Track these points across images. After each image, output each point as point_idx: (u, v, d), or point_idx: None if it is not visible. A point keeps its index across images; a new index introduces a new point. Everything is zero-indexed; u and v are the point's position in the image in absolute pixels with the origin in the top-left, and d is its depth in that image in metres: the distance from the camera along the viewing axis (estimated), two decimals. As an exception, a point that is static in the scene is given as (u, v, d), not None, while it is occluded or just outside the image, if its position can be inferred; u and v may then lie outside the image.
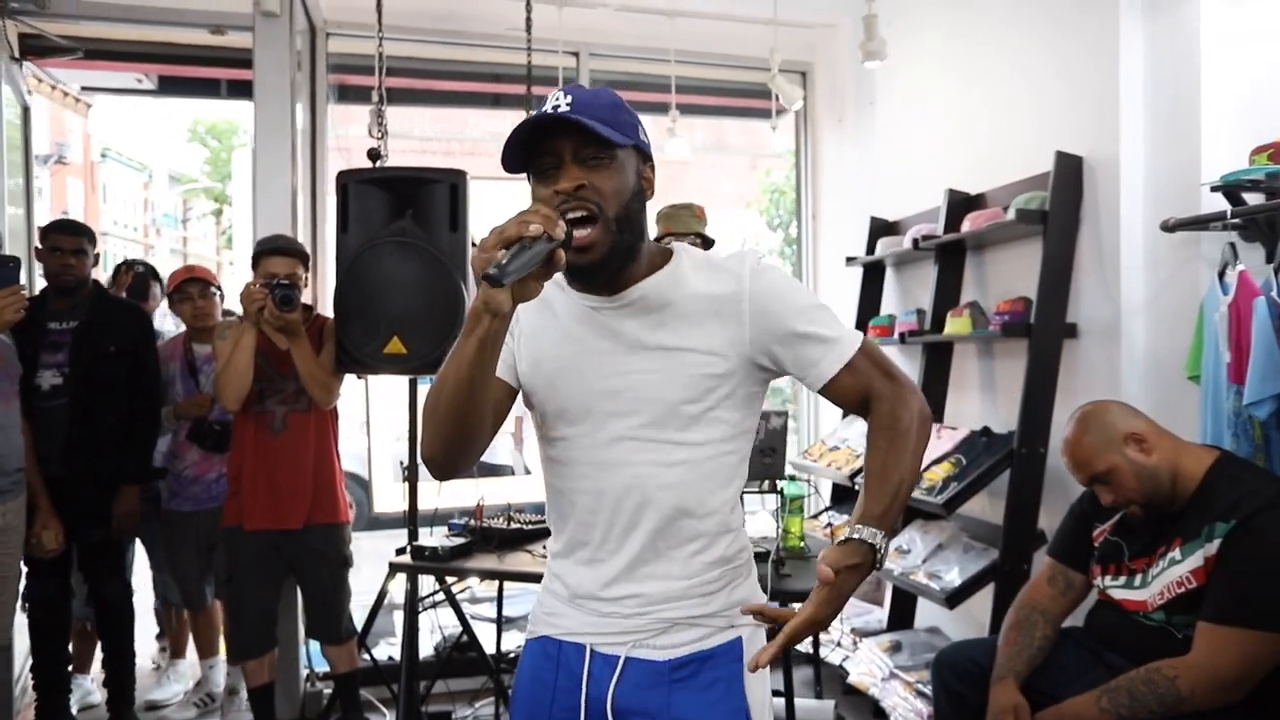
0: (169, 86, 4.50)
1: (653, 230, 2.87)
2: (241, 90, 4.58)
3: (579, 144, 1.09)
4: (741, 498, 1.25)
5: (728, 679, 1.18)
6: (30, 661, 2.85)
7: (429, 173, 2.74)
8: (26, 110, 3.33)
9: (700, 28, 4.07)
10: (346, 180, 2.71)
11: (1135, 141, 2.43)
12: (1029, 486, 2.56)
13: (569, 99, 1.09)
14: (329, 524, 2.75)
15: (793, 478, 2.49)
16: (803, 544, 2.46)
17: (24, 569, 2.72)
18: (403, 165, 2.83)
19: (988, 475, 2.62)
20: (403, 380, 2.88)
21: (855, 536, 1.09)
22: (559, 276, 1.15)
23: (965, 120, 3.17)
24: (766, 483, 2.42)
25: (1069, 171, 2.56)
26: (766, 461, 2.31)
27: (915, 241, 3.09)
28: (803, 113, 4.51)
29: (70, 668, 3.07)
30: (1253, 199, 2.12)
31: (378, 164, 3.30)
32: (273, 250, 2.66)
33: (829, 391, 1.17)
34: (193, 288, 3.05)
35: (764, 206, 9.07)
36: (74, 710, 3.04)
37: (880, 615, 3.27)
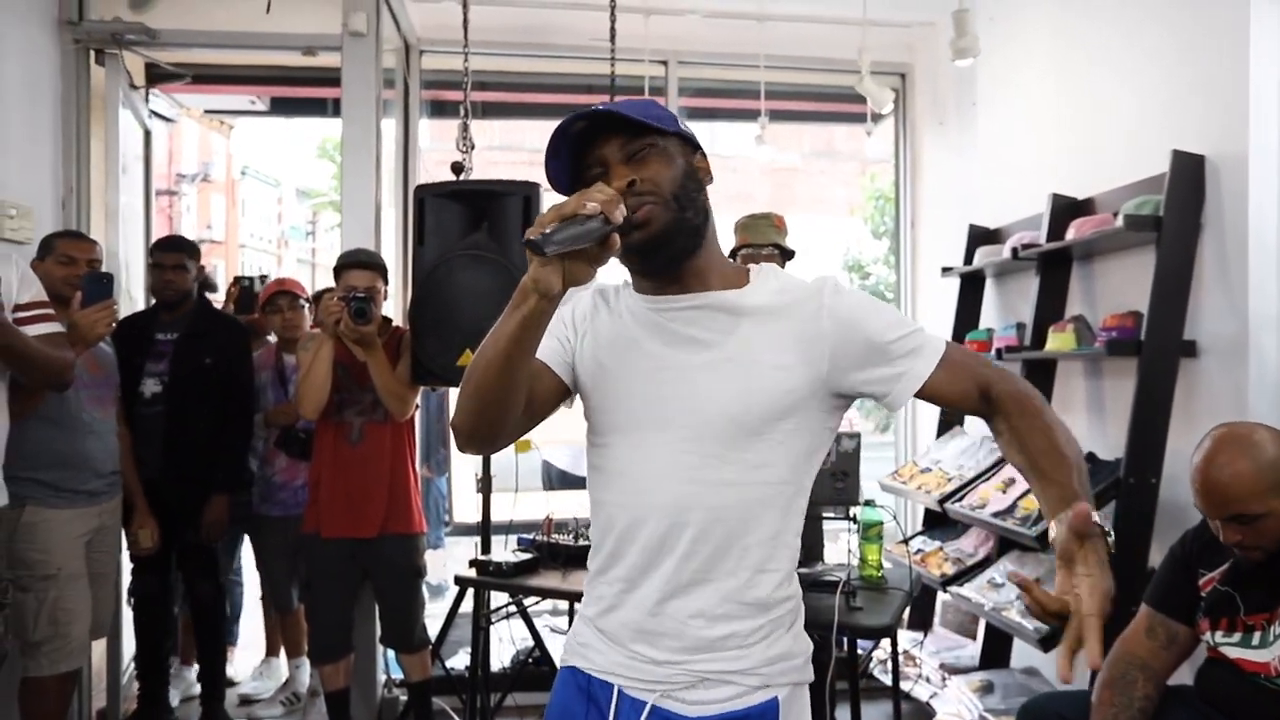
0: (280, 106, 4.74)
1: (730, 241, 2.78)
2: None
3: (621, 143, 1.07)
4: (799, 541, 1.17)
5: None
6: (135, 652, 3.01)
7: (502, 185, 2.74)
8: (148, 134, 3.54)
9: (791, 31, 3.96)
10: (423, 194, 2.75)
11: (1268, 138, 2.16)
12: (1138, 520, 2.32)
13: (597, 107, 1.08)
14: (403, 534, 2.79)
15: (869, 502, 2.34)
16: (880, 574, 2.32)
17: (129, 565, 2.89)
18: (478, 179, 2.84)
19: (1095, 505, 2.39)
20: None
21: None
22: (628, 276, 1.16)
23: (1072, 119, 2.94)
24: (841, 509, 2.29)
25: (1188, 172, 2.32)
26: (839, 486, 2.18)
27: (1014, 251, 2.87)
28: (901, 116, 4.31)
29: (177, 659, 3.25)
30: None
31: (460, 177, 3.36)
32: (352, 264, 2.71)
33: (931, 391, 1.10)
34: (282, 300, 3.17)
35: (869, 214, 8.78)
36: (176, 700, 3.20)
37: (972, 651, 3.06)
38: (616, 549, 1.13)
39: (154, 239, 3.72)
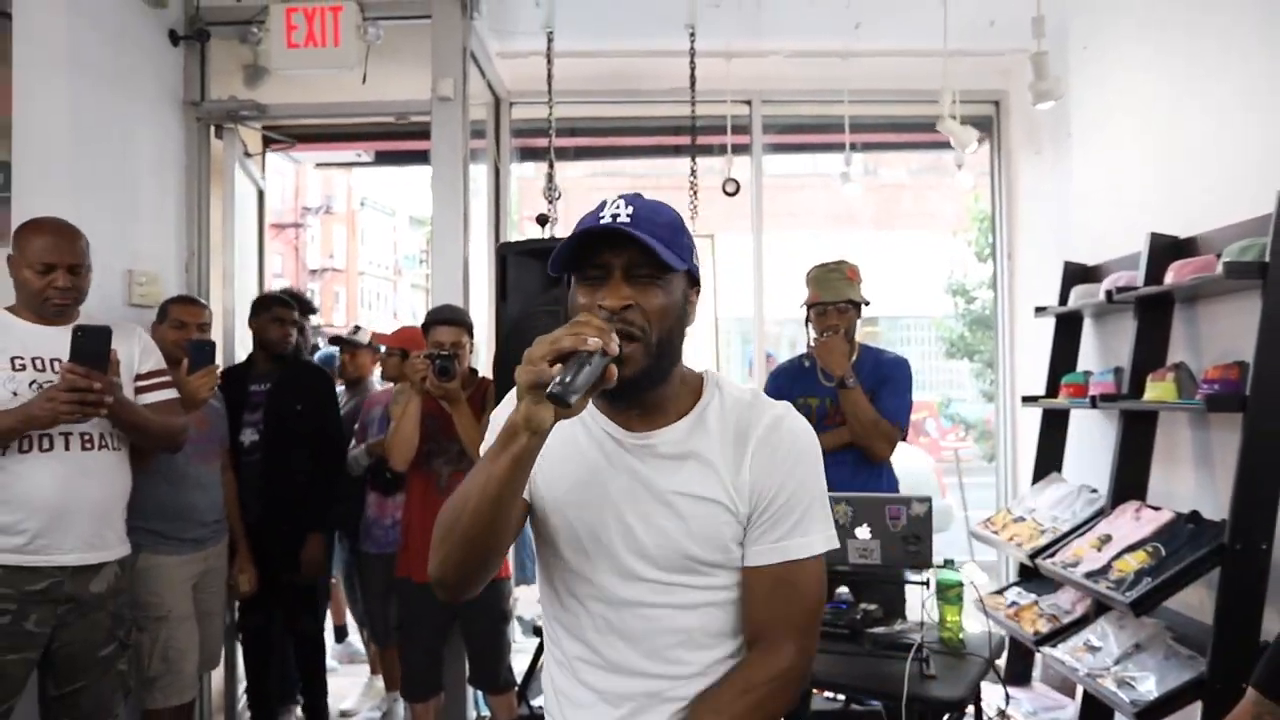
0: (384, 158, 5.02)
1: (801, 294, 2.77)
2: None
3: (633, 261, 1.05)
4: None
5: None
6: (245, 684, 3.23)
7: (579, 242, 2.82)
8: (261, 194, 3.82)
9: (877, 66, 3.91)
10: (505, 252, 2.87)
11: (1384, 180, 2.00)
12: (1245, 588, 2.17)
13: (629, 210, 1.06)
14: (492, 579, 2.88)
15: (948, 563, 2.28)
16: (960, 638, 2.25)
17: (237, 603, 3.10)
18: (558, 236, 2.93)
19: (1191, 571, 2.25)
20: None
21: None
22: None
23: (1174, 150, 2.78)
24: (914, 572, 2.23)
25: (1296, 216, 2.16)
26: (911, 550, 2.13)
27: (1109, 294, 2.74)
28: (996, 144, 4.19)
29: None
30: None
31: (546, 227, 3.47)
32: (439, 320, 2.85)
33: (753, 577, 1.10)
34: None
35: (973, 237, 8.48)
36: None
37: (1071, 712, 2.90)
38: (584, 664, 1.14)
39: (267, 284, 4.01)
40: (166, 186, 3.11)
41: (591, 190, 3.78)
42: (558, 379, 0.92)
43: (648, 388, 1.08)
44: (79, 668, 2.13)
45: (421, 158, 5.16)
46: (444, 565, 1.05)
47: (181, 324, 2.66)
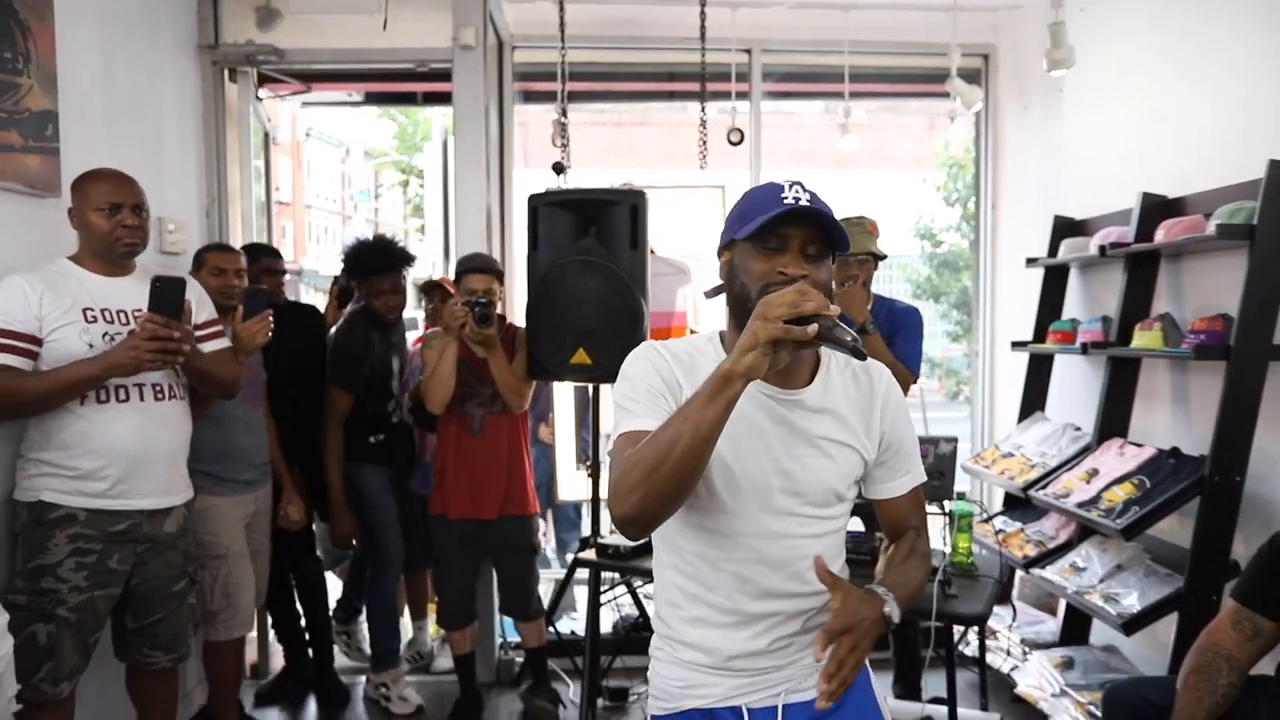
0: (373, 98, 4.96)
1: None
2: (435, 99, 4.98)
3: (809, 238, 1.20)
4: None
5: (870, 702, 1.36)
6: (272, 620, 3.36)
7: (611, 194, 2.92)
8: (267, 136, 3.79)
9: (875, 18, 4.01)
10: (536, 204, 2.95)
11: (1365, 152, 2.22)
12: (1222, 517, 2.45)
13: (808, 195, 1.21)
14: (520, 515, 3.05)
15: (961, 495, 2.51)
16: (971, 561, 2.49)
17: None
18: (588, 188, 3.01)
19: (1174, 501, 2.53)
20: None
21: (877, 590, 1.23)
22: (705, 339, 1.33)
23: (1166, 114, 2.97)
24: (937, 504, 2.46)
25: (1283, 182, 2.38)
26: (935, 484, 2.36)
27: (1102, 249, 2.96)
28: (986, 96, 4.33)
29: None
30: None
31: (562, 175, 3.54)
32: (472, 269, 2.94)
33: (885, 505, 1.38)
34: (436, 293, 3.52)
35: (941, 182, 8.70)
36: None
37: (1052, 626, 3.22)
38: (728, 600, 1.27)
39: (275, 227, 4.01)
40: (186, 133, 3.10)
41: (591, 135, 3.84)
42: (851, 338, 1.06)
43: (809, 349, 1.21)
44: (157, 601, 2.25)
45: (410, 99, 5.14)
46: (644, 504, 1.11)
47: (221, 270, 2.70)
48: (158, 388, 2.20)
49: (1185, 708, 1.90)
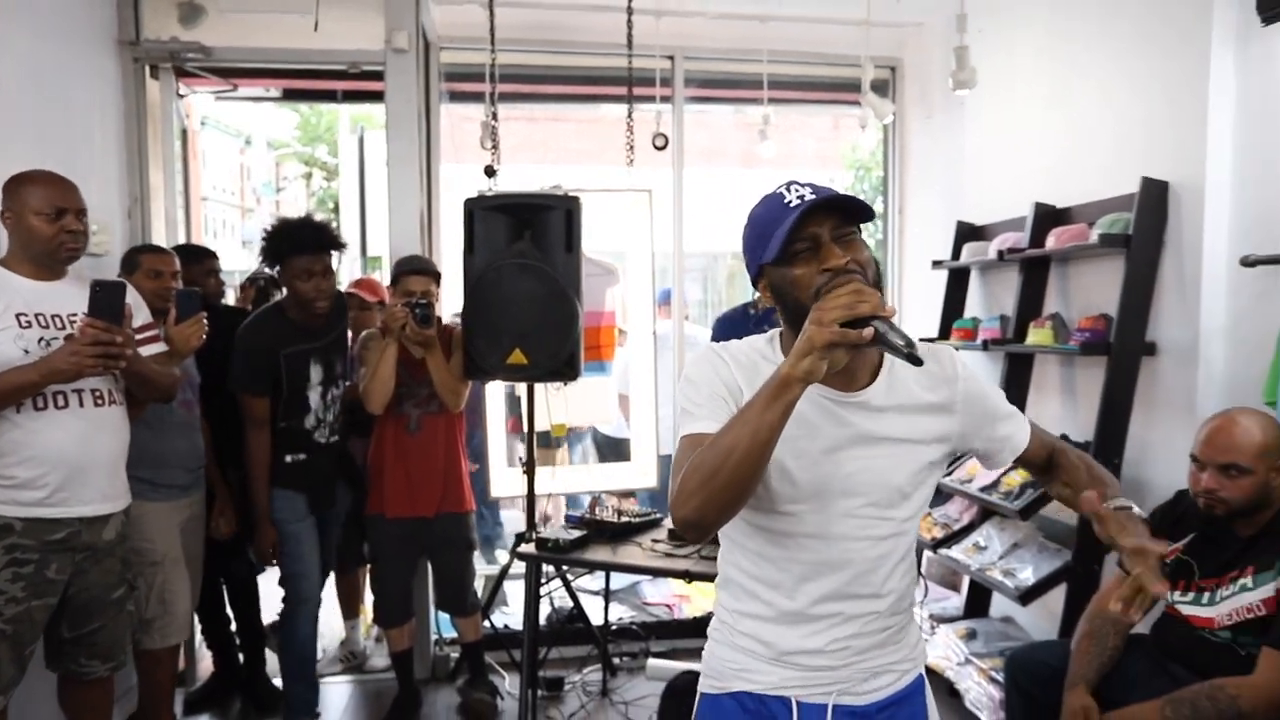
0: (291, 94, 4.87)
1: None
2: (355, 97, 4.94)
3: (834, 224, 1.17)
4: None
5: (921, 713, 1.36)
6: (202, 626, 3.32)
7: (546, 199, 3.01)
8: (185, 133, 3.72)
9: (791, 30, 4.20)
10: (473, 207, 3.01)
11: (1222, 172, 2.51)
12: (1104, 496, 2.72)
13: (809, 189, 1.18)
14: (457, 513, 3.11)
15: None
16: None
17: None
18: (522, 192, 3.09)
19: (1065, 483, 2.79)
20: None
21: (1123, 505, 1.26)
22: (763, 340, 1.30)
23: (1054, 132, 3.25)
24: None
25: (1154, 197, 2.67)
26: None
27: (1000, 254, 3.22)
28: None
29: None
30: (1334, 236, 2.23)
31: (493, 179, 3.60)
32: (410, 270, 2.98)
33: (1024, 457, 1.37)
34: (353, 301, 3.43)
35: (849, 184, 9.07)
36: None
37: (957, 602, 3.49)
38: (788, 599, 1.27)
39: (195, 224, 3.93)
40: (107, 131, 3.02)
41: (505, 130, 3.89)
42: (905, 342, 1.05)
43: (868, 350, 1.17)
44: (95, 610, 2.23)
45: (330, 96, 5.08)
46: (704, 508, 1.11)
47: (156, 273, 2.67)
48: (97, 393, 2.18)
49: (1079, 668, 2.13)
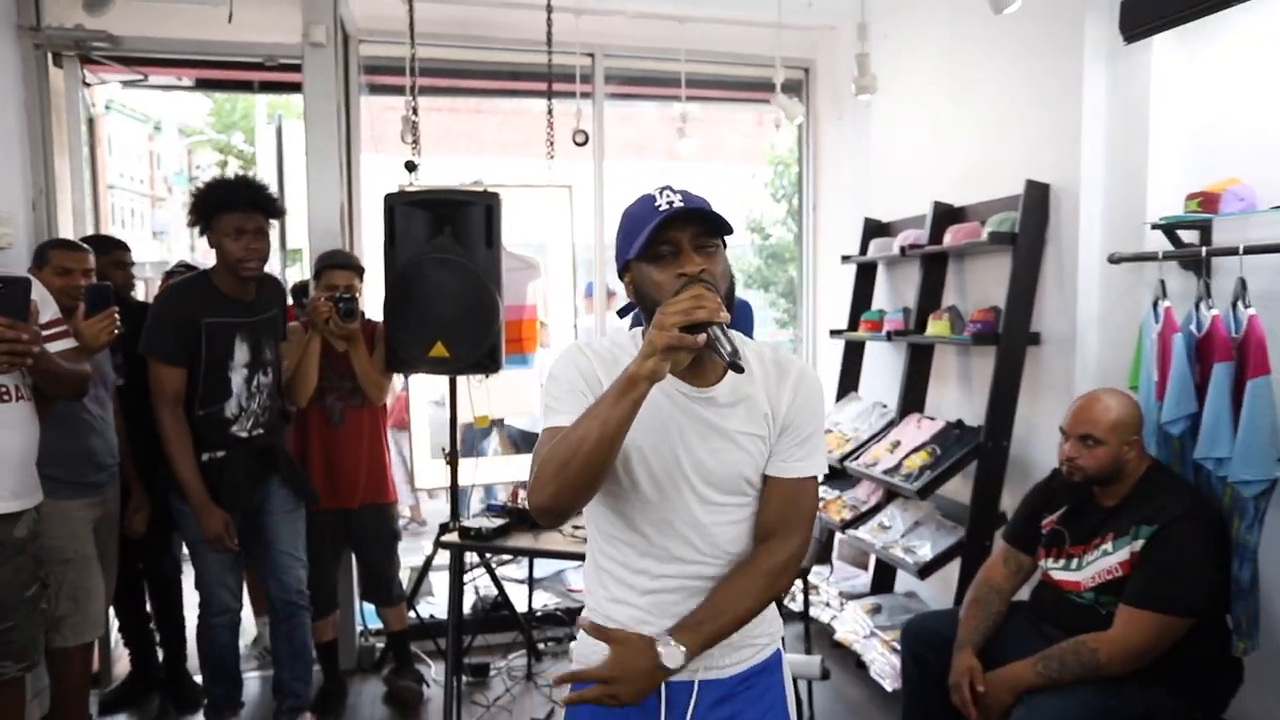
0: (205, 84, 4.78)
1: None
2: (271, 88, 4.86)
3: (696, 234, 1.25)
4: None
5: (779, 686, 1.44)
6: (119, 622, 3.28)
7: (466, 195, 3.06)
8: (91, 121, 3.62)
9: (708, 30, 4.33)
10: (393, 202, 3.04)
11: (1094, 176, 2.73)
12: (993, 475, 2.93)
13: (679, 196, 1.26)
14: (381, 504, 3.15)
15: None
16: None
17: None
18: (442, 188, 3.13)
19: (959, 464, 3.00)
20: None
21: (663, 646, 1.28)
22: (622, 338, 1.37)
23: (952, 135, 3.45)
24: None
25: (1037, 198, 2.88)
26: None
27: (902, 250, 3.41)
28: (806, 106, 4.76)
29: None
30: (1190, 236, 2.46)
31: (413, 174, 3.62)
32: (333, 265, 3.00)
33: (772, 486, 1.35)
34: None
35: (769, 179, 9.30)
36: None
37: (865, 579, 3.68)
38: (645, 583, 1.34)
39: (103, 215, 3.83)
40: (7, 120, 2.94)
41: (427, 121, 3.92)
42: (729, 350, 1.13)
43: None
44: (8, 608, 2.20)
45: (246, 86, 4.98)
46: (558, 496, 1.20)
47: (66, 270, 2.62)
48: (3, 389, 2.15)
49: (965, 633, 2.32)
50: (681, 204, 1.25)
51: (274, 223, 2.63)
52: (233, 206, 2.53)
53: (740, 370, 1.16)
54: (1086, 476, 2.21)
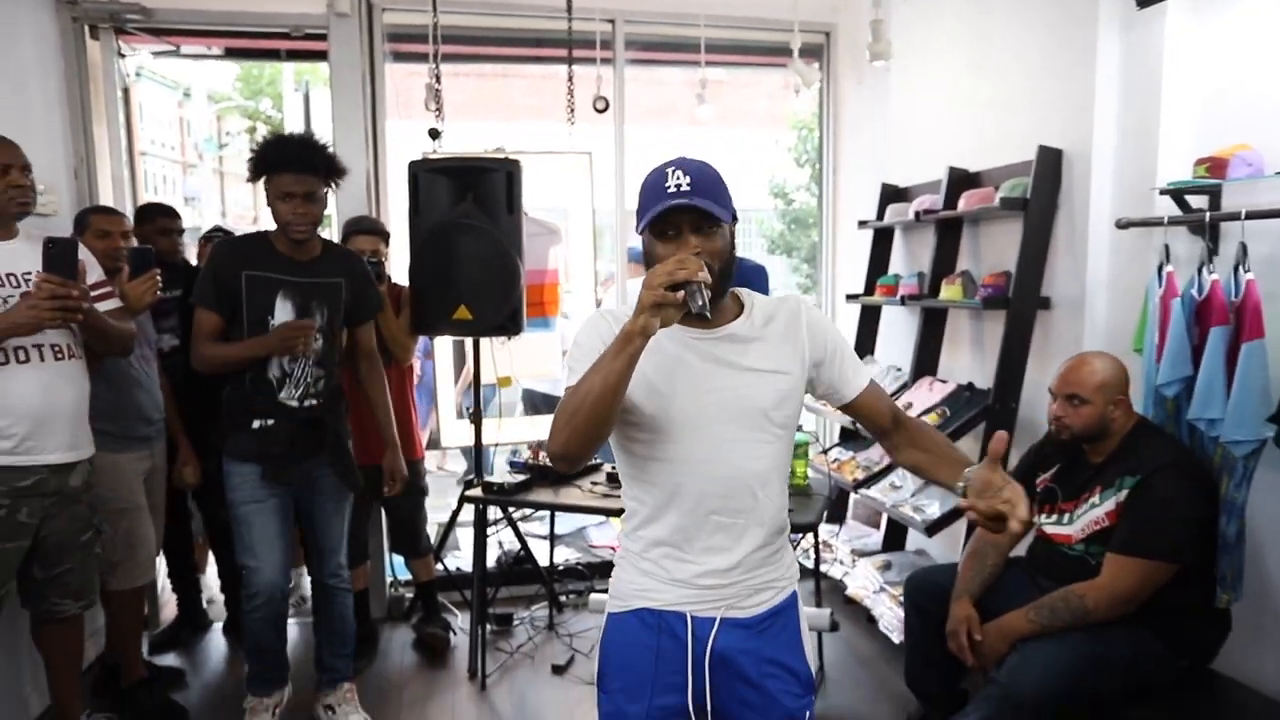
0: (234, 53, 4.87)
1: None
2: (298, 56, 4.95)
3: (696, 221, 1.37)
4: None
5: (795, 625, 1.54)
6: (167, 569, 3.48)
7: (488, 162, 3.15)
8: (126, 91, 3.74)
9: (729, -5, 4.34)
10: (417, 170, 3.14)
11: (1106, 142, 2.75)
12: (1001, 436, 3.00)
13: (687, 179, 1.35)
14: (409, 460, 3.28)
15: (799, 428, 2.96)
16: (806, 483, 2.96)
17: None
18: (464, 155, 3.22)
19: (968, 425, 3.07)
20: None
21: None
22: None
23: (968, 101, 3.47)
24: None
25: (1049, 163, 2.90)
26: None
27: (918, 215, 3.45)
28: (827, 71, 4.77)
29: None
30: (1198, 200, 2.49)
31: (437, 141, 3.71)
32: (359, 230, 3.11)
33: (858, 404, 1.51)
34: None
35: (792, 144, 9.26)
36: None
37: (877, 538, 3.78)
38: (679, 523, 1.43)
39: (139, 185, 3.97)
40: (49, 92, 3.07)
41: (453, 87, 3.99)
42: (700, 302, 1.25)
43: (716, 301, 1.38)
44: (65, 552, 2.38)
45: (274, 55, 5.08)
46: (569, 443, 1.32)
47: (105, 233, 2.76)
48: (56, 348, 2.29)
49: (962, 583, 2.42)
50: (687, 189, 1.35)
51: (336, 184, 2.53)
52: (284, 167, 2.42)
53: (707, 318, 1.29)
54: (1073, 435, 2.29)
